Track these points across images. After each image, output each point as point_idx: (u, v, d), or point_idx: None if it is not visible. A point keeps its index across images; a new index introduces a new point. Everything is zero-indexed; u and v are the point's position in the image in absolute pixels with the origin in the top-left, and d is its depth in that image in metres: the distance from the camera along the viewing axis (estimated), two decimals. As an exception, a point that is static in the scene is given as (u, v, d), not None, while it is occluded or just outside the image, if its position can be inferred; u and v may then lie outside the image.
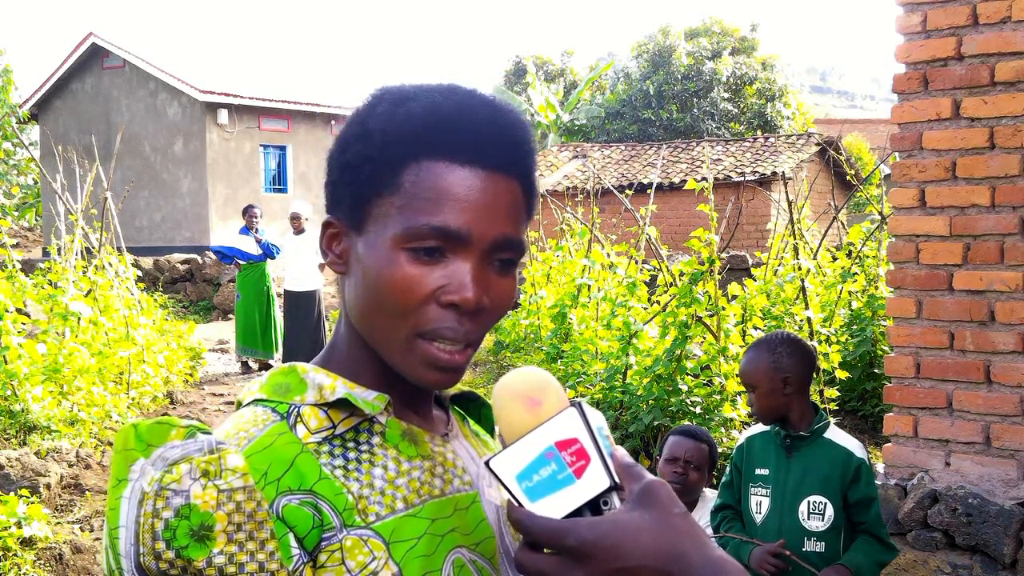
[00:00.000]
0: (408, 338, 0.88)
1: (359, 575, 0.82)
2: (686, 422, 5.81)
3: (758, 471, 2.82)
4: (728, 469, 2.96)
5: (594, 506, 0.80)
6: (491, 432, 1.08)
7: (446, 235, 0.86)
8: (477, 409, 1.07)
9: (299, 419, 0.88)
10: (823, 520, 2.68)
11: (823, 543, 2.68)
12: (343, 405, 0.90)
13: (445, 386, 0.91)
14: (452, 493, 0.92)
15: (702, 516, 3.12)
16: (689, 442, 3.18)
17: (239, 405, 0.94)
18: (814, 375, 2.91)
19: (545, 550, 0.80)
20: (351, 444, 0.89)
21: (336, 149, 0.93)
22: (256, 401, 0.91)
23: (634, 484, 0.80)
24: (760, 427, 2.89)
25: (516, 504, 0.81)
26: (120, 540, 0.77)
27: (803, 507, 2.70)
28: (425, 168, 0.86)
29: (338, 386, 0.91)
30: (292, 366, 0.94)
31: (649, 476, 0.81)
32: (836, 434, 2.77)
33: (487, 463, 0.82)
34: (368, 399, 0.90)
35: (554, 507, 0.80)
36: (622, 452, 0.83)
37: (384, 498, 0.87)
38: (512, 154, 0.90)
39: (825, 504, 2.68)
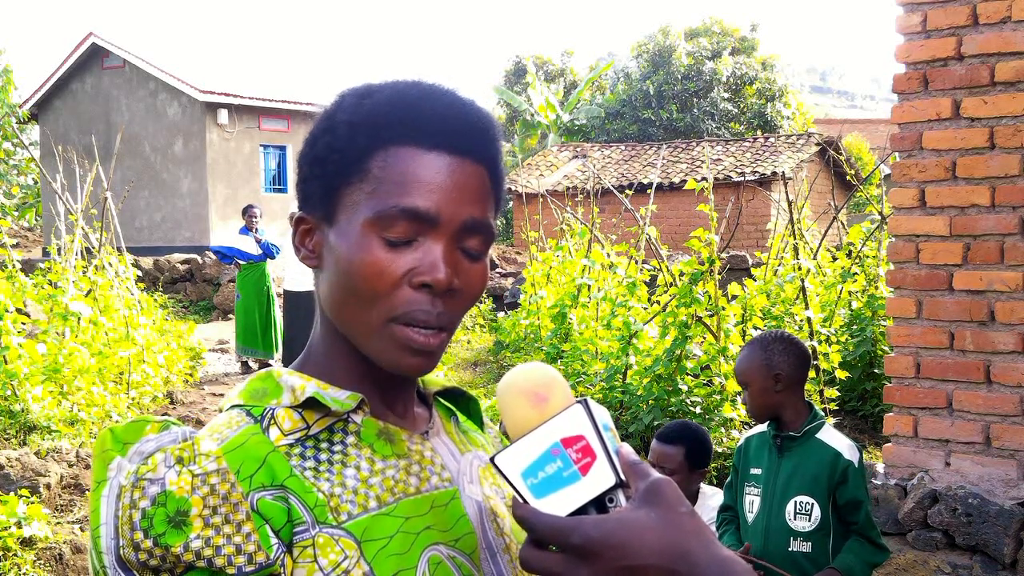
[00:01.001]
0: (382, 324, 0.88)
1: (331, 573, 0.82)
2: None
3: (752, 470, 2.84)
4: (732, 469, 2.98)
5: (600, 504, 0.80)
6: (481, 426, 1.08)
7: (416, 216, 0.87)
8: (466, 404, 1.07)
9: (273, 422, 0.89)
10: (809, 521, 2.69)
11: (809, 543, 2.69)
12: (316, 405, 0.91)
13: (421, 371, 0.91)
14: (429, 491, 0.92)
15: (701, 514, 3.11)
16: (663, 447, 3.10)
17: (221, 411, 0.94)
18: (809, 374, 2.91)
19: (551, 548, 0.80)
20: (324, 445, 0.89)
21: (305, 147, 0.95)
22: (234, 406, 0.92)
23: (640, 482, 0.80)
24: (760, 427, 2.91)
25: (521, 501, 0.81)
26: (101, 538, 0.78)
27: (790, 507, 2.71)
28: (392, 154, 0.88)
29: (308, 386, 0.91)
30: (269, 371, 0.95)
31: (655, 474, 0.81)
32: (829, 435, 2.76)
33: (492, 459, 0.82)
34: (339, 398, 0.91)
35: (559, 504, 0.80)
36: (628, 449, 0.83)
37: (357, 497, 0.87)
38: (477, 140, 0.91)
39: (812, 505, 2.69)
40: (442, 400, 1.06)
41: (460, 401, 1.07)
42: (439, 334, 0.89)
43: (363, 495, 0.88)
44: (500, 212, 0.97)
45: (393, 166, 0.88)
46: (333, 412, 0.91)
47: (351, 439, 0.91)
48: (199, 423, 7.65)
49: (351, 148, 0.89)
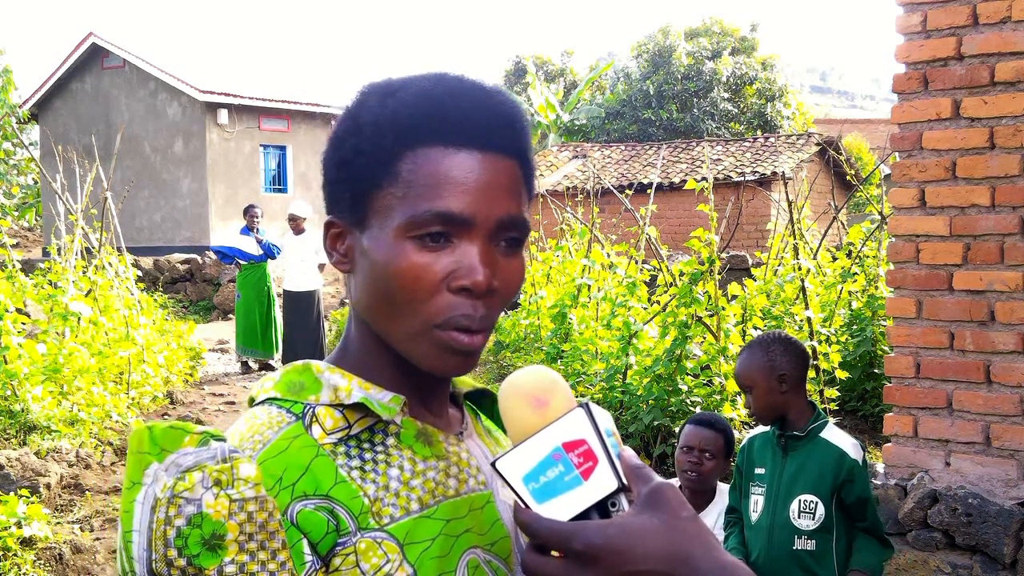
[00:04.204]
0: (424, 330, 0.87)
1: None
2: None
3: (756, 470, 2.85)
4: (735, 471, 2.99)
5: (602, 508, 0.80)
6: (504, 429, 1.09)
7: (450, 219, 0.85)
8: (490, 405, 1.07)
9: (314, 419, 0.88)
10: (813, 519, 2.70)
11: (813, 541, 2.71)
12: (359, 407, 0.90)
13: (462, 372, 0.90)
14: (467, 493, 0.92)
15: (719, 511, 3.11)
16: (704, 431, 3.16)
17: (252, 401, 0.94)
18: (809, 374, 2.93)
19: (552, 553, 0.79)
20: (367, 445, 0.89)
21: (330, 148, 0.93)
22: (270, 400, 0.91)
23: (642, 486, 0.80)
24: (762, 428, 2.92)
25: (523, 506, 0.81)
26: (133, 544, 0.77)
27: (794, 505, 2.72)
28: (421, 155, 0.86)
29: (354, 388, 0.90)
30: (306, 364, 0.93)
31: (657, 478, 0.81)
32: (832, 434, 2.78)
33: (493, 464, 0.82)
34: (384, 401, 0.90)
35: (561, 509, 0.79)
36: (630, 453, 0.83)
37: (399, 500, 0.87)
38: (506, 134, 0.89)
39: (816, 503, 2.70)
40: (468, 401, 1.06)
41: (485, 402, 1.06)
42: (480, 334, 0.89)
43: (405, 497, 0.87)
44: (531, 201, 0.96)
45: (423, 168, 0.86)
46: (375, 413, 0.90)
47: (391, 440, 0.90)
48: (199, 423, 7.64)
49: (378, 151, 0.87)
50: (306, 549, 0.81)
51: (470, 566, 0.88)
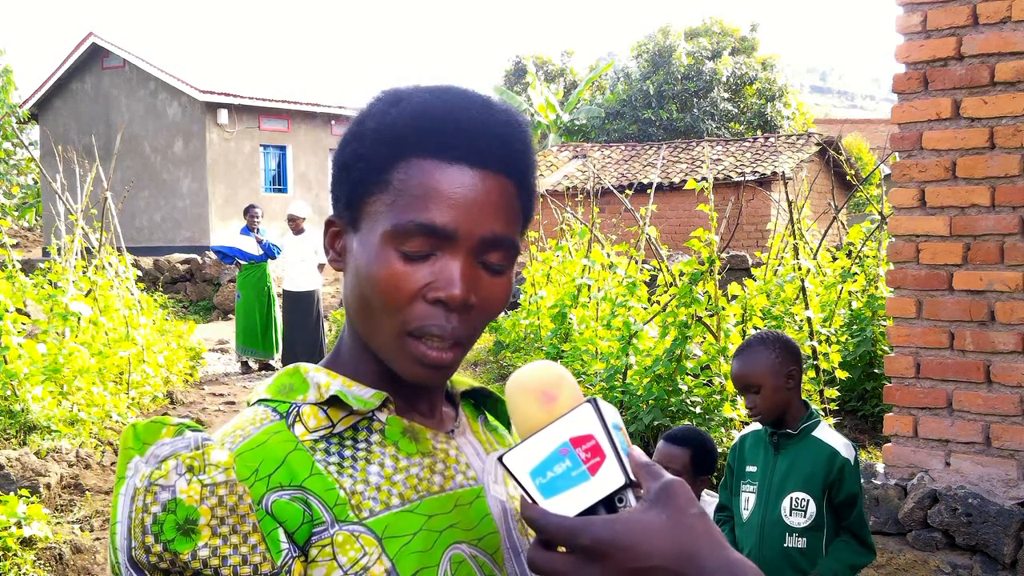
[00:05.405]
0: (397, 336, 0.89)
1: (350, 570, 0.83)
2: (686, 422, 5.81)
3: (748, 468, 2.86)
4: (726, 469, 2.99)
5: (609, 504, 0.80)
6: (508, 426, 1.08)
7: (433, 232, 0.86)
8: (493, 404, 1.07)
9: (298, 418, 0.90)
10: (805, 517, 2.71)
11: (804, 539, 2.72)
12: (341, 404, 0.91)
13: (433, 383, 0.92)
14: (453, 489, 0.93)
15: None
16: (670, 448, 3.07)
17: (248, 405, 0.95)
18: (809, 374, 2.94)
19: (559, 548, 0.79)
20: (348, 442, 0.90)
21: (337, 149, 0.95)
22: (260, 401, 0.93)
23: (651, 483, 0.80)
24: (754, 426, 2.92)
25: (530, 501, 0.81)
26: (117, 536, 0.80)
27: (786, 503, 2.73)
28: (414, 166, 0.88)
29: (333, 384, 0.92)
30: (296, 367, 0.95)
31: (667, 475, 0.81)
32: (825, 432, 2.79)
33: (500, 459, 0.82)
34: (363, 397, 0.91)
35: (568, 504, 0.79)
36: (639, 451, 0.83)
37: (380, 494, 0.88)
38: (503, 153, 0.90)
39: (807, 501, 2.71)
40: (470, 400, 1.07)
41: (488, 401, 1.07)
42: (453, 348, 0.89)
43: (386, 492, 0.88)
44: (529, 223, 0.96)
45: (413, 178, 0.87)
46: (357, 411, 0.91)
47: (375, 437, 0.92)
48: (199, 423, 7.65)
49: (375, 157, 0.89)
50: (282, 537, 0.82)
51: (453, 561, 0.88)
